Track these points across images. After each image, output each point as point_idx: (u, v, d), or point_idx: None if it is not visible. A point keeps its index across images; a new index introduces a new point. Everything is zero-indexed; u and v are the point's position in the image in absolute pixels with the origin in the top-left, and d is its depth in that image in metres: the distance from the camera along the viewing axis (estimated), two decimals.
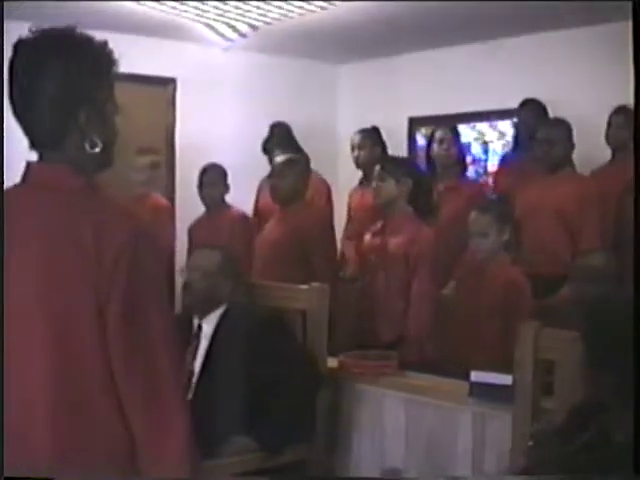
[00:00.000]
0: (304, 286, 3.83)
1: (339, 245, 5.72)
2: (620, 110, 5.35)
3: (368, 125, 6.33)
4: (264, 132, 6.46)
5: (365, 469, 3.72)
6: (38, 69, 1.77)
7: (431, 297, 4.42)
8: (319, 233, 5.06)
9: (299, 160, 5.50)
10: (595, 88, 5.93)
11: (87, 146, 1.80)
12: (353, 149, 6.14)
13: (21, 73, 1.79)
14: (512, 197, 4.99)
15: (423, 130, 6.97)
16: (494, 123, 6.69)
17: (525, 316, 3.56)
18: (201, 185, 5.81)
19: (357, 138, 6.17)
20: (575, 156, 5.50)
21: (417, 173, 4.78)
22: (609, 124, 5.42)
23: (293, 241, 4.91)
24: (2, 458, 1.71)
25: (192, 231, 5.90)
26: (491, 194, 5.69)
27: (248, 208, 6.14)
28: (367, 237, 4.70)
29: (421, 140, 6.96)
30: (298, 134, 6.46)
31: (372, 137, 6.21)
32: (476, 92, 6.56)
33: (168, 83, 6.60)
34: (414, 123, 7.05)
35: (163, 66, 6.48)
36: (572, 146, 5.10)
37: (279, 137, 6.34)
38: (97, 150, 1.81)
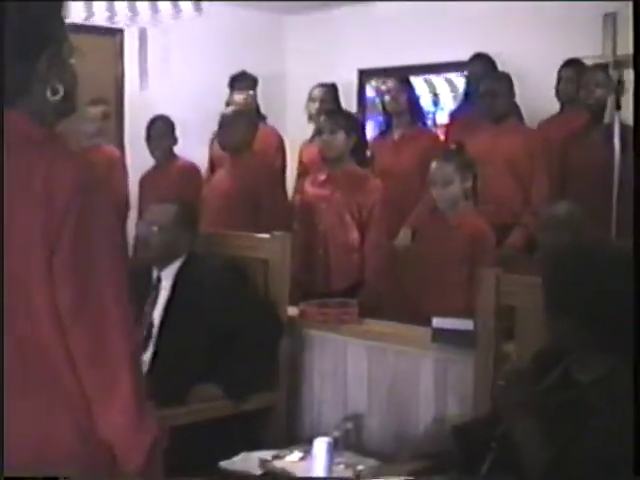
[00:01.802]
0: (266, 235, 3.84)
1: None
2: (569, 63, 5.42)
3: (317, 77, 6.34)
4: (212, 82, 6.46)
5: (328, 415, 3.77)
6: None
7: (385, 245, 4.53)
8: (268, 182, 5.11)
9: (247, 110, 5.54)
10: (545, 42, 6.00)
11: (49, 93, 1.75)
12: (313, 101, 6.14)
13: None
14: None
15: (373, 82, 7.00)
16: (445, 76, 6.73)
17: (490, 264, 3.59)
18: (149, 137, 5.80)
19: (318, 91, 6.18)
20: (525, 109, 5.60)
21: (361, 127, 4.94)
22: (559, 78, 5.49)
23: (242, 190, 4.94)
24: (2, 458, 1.67)
25: (142, 183, 5.91)
26: (444, 143, 5.77)
27: (202, 160, 6.12)
28: (311, 188, 4.72)
29: (371, 92, 6.99)
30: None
31: (332, 92, 6.24)
32: (427, 45, 6.60)
33: (116, 33, 6.53)
34: (364, 75, 7.06)
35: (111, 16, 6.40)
36: (513, 98, 5.20)
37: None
38: (58, 97, 1.76)
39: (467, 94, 6.08)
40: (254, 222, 4.72)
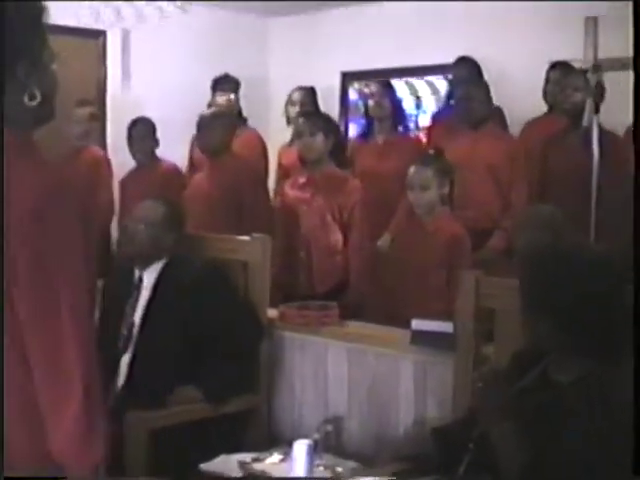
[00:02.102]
0: (246, 237, 3.84)
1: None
2: (556, 66, 5.43)
3: (300, 80, 6.35)
4: (195, 84, 6.46)
5: (309, 418, 3.77)
6: None
7: (367, 246, 4.54)
8: (250, 184, 5.08)
9: (226, 113, 5.57)
10: (529, 44, 6.02)
11: (26, 99, 1.74)
12: (293, 104, 6.15)
13: None
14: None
15: (356, 85, 7.00)
16: (427, 78, 6.74)
17: (468, 268, 3.60)
18: (130, 139, 5.79)
19: (297, 95, 6.19)
20: (508, 111, 5.62)
21: (337, 128, 4.96)
22: (546, 80, 5.51)
23: (223, 192, 4.94)
24: (2, 458, 1.68)
25: (123, 185, 5.90)
26: (426, 149, 5.78)
27: (183, 162, 6.11)
28: (291, 191, 4.73)
29: (353, 95, 7.00)
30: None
31: (310, 95, 6.25)
32: (410, 47, 6.61)
33: (99, 35, 6.51)
34: (347, 78, 7.06)
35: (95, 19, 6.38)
36: (491, 103, 5.22)
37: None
38: (35, 103, 1.75)
39: (450, 97, 6.09)
40: (236, 224, 4.72)
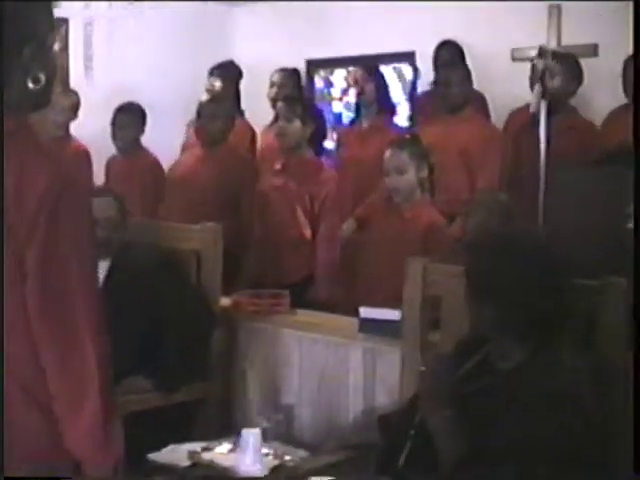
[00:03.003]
0: (197, 226, 3.82)
1: None
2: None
3: (264, 68, 6.32)
4: (164, 75, 6.41)
5: (261, 406, 3.76)
6: None
7: (338, 240, 4.46)
8: (248, 175, 5.04)
9: (226, 99, 5.54)
10: (496, 29, 6.01)
11: (29, 82, 1.70)
12: (272, 86, 6.10)
13: None
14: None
15: (322, 72, 6.98)
16: (394, 66, 6.71)
17: (445, 256, 3.49)
18: (114, 125, 5.70)
19: (277, 76, 6.14)
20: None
21: (318, 115, 4.85)
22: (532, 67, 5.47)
23: (220, 183, 4.88)
24: (2, 458, 1.65)
25: (108, 168, 5.85)
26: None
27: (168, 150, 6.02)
28: (266, 177, 4.70)
29: (319, 83, 6.98)
30: (196, 77, 6.39)
31: (292, 78, 6.20)
32: (375, 34, 6.58)
33: (61, 24, 6.43)
34: (312, 65, 7.03)
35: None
36: (470, 89, 5.19)
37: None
38: (39, 86, 1.71)
39: (414, 85, 6.09)
40: (231, 217, 4.68)
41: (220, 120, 5.08)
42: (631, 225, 2.48)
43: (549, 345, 2.45)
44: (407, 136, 4.30)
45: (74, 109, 5.90)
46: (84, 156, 5.84)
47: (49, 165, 1.66)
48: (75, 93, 6.00)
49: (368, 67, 5.80)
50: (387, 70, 6.36)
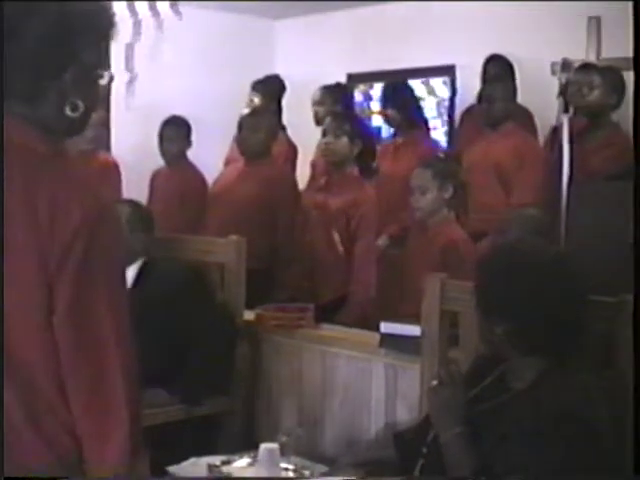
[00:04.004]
0: (222, 240, 3.84)
1: None
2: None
3: (305, 82, 6.33)
4: (204, 89, 6.44)
5: (284, 420, 3.76)
6: (29, 11, 1.63)
7: (374, 260, 4.43)
8: (288, 192, 4.99)
9: (268, 113, 5.51)
10: (534, 44, 5.96)
11: (67, 109, 1.66)
12: (315, 104, 6.10)
13: (11, 13, 1.63)
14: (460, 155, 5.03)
15: (361, 86, 6.97)
16: (430, 80, 6.67)
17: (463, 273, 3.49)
18: (160, 138, 5.71)
19: (317, 94, 6.13)
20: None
21: (367, 133, 4.80)
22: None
23: (260, 198, 4.83)
24: (2, 458, 1.64)
25: (153, 181, 5.85)
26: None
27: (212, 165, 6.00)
28: (309, 193, 4.69)
29: (359, 97, 6.97)
30: (236, 90, 6.42)
31: (333, 94, 6.17)
32: (414, 49, 6.56)
33: None
34: (352, 79, 7.02)
35: None
36: (513, 104, 5.14)
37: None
38: (77, 114, 1.68)
39: (453, 98, 6.05)
40: (269, 234, 4.70)
41: (261, 133, 5.03)
42: None
43: (562, 365, 2.41)
44: (438, 155, 4.23)
45: (104, 123, 5.91)
46: (113, 170, 5.84)
47: (85, 197, 1.62)
48: (103, 108, 5.99)
49: (400, 83, 5.76)
50: (417, 84, 6.30)
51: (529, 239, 3.05)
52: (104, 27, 1.73)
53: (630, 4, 2.31)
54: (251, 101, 6.08)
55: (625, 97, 5.07)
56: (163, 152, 5.73)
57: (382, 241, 4.78)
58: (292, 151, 6.19)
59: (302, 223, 4.63)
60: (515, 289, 2.42)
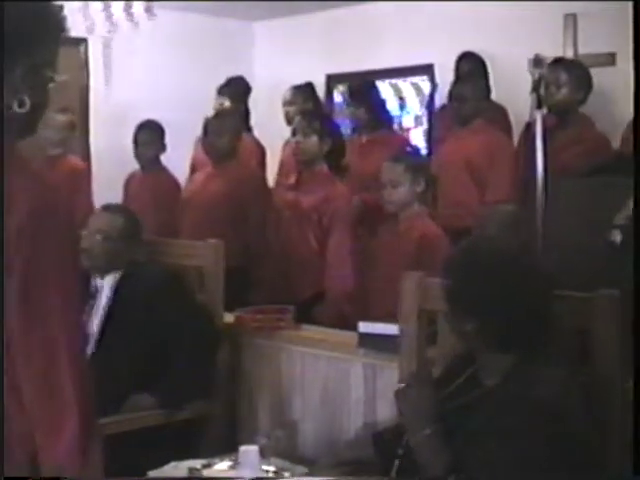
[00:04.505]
0: (200, 243, 3.83)
1: None
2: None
3: (285, 83, 6.33)
4: (183, 92, 6.44)
5: (264, 422, 3.75)
6: None
7: (348, 255, 4.42)
8: (255, 191, 5.02)
9: (232, 115, 5.53)
10: (512, 43, 5.98)
11: (15, 104, 1.66)
12: (286, 104, 6.12)
13: None
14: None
15: (340, 87, 6.98)
16: (411, 79, 6.70)
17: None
18: (135, 143, 5.73)
19: (287, 94, 6.17)
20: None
21: (336, 131, 4.82)
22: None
23: (228, 200, 4.87)
24: (2, 458, 1.64)
25: (127, 184, 5.88)
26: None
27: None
28: (280, 191, 4.70)
29: (338, 97, 6.98)
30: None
31: (304, 93, 6.19)
32: (393, 48, 6.58)
33: (80, 43, 6.51)
34: (332, 80, 7.04)
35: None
36: (484, 101, 5.16)
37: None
38: (24, 111, 1.67)
39: (432, 97, 6.07)
40: (241, 233, 4.69)
41: (226, 136, 5.08)
42: (615, 238, 2.44)
43: (532, 360, 2.40)
44: (407, 150, 4.24)
45: (71, 127, 5.88)
46: (82, 174, 5.87)
47: (30, 191, 1.63)
48: (72, 111, 5.98)
49: (364, 82, 5.77)
50: (382, 85, 6.33)
51: (494, 236, 3.07)
52: (53, 28, 1.74)
53: (630, 4, 2.30)
54: (221, 105, 6.08)
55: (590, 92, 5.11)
56: (138, 156, 5.74)
57: (355, 201, 4.76)
58: (260, 152, 6.26)
59: (275, 222, 4.64)
60: (482, 286, 2.42)
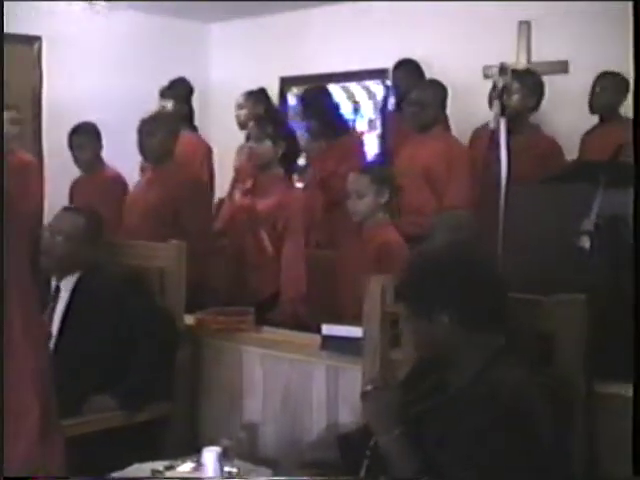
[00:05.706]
0: (162, 244, 3.82)
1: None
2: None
3: (239, 85, 6.34)
4: (137, 91, 6.42)
5: (224, 424, 3.75)
6: None
7: (302, 259, 4.46)
8: (190, 193, 4.89)
9: (165, 117, 5.45)
10: (466, 46, 6.05)
11: None
12: (240, 108, 6.14)
13: None
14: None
15: (294, 90, 7.00)
16: (365, 83, 6.75)
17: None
18: (71, 146, 5.68)
19: (240, 99, 6.19)
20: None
21: (291, 135, 4.82)
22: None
23: (161, 202, 4.79)
24: (2, 458, 1.64)
25: (73, 190, 5.81)
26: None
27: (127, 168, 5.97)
28: (237, 196, 4.71)
29: (292, 100, 7.00)
30: None
31: (255, 98, 6.20)
32: (346, 52, 6.62)
33: (34, 42, 6.45)
34: (285, 83, 7.06)
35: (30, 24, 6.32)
36: (444, 108, 5.20)
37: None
38: None
39: (386, 101, 6.11)
40: (171, 235, 4.65)
41: (158, 137, 4.89)
42: (584, 243, 2.50)
43: (497, 362, 2.44)
44: (372, 160, 4.28)
45: (15, 123, 5.79)
46: (30, 168, 5.81)
47: None
48: (16, 108, 5.87)
49: (318, 87, 5.78)
50: (335, 89, 6.37)
51: (450, 242, 3.13)
52: None
53: (630, 4, 2.35)
54: (163, 108, 6.06)
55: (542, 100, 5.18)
56: (76, 160, 5.68)
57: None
58: (205, 151, 6.24)
59: (230, 226, 4.62)
60: (452, 278, 2.45)
